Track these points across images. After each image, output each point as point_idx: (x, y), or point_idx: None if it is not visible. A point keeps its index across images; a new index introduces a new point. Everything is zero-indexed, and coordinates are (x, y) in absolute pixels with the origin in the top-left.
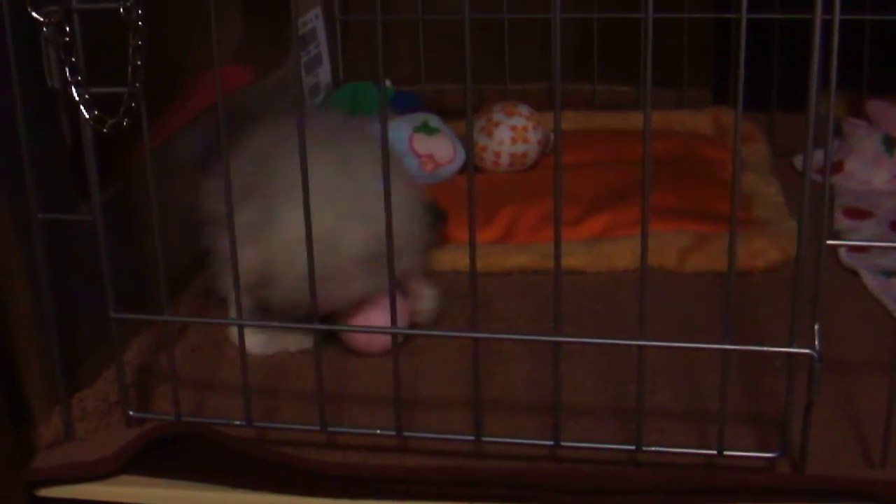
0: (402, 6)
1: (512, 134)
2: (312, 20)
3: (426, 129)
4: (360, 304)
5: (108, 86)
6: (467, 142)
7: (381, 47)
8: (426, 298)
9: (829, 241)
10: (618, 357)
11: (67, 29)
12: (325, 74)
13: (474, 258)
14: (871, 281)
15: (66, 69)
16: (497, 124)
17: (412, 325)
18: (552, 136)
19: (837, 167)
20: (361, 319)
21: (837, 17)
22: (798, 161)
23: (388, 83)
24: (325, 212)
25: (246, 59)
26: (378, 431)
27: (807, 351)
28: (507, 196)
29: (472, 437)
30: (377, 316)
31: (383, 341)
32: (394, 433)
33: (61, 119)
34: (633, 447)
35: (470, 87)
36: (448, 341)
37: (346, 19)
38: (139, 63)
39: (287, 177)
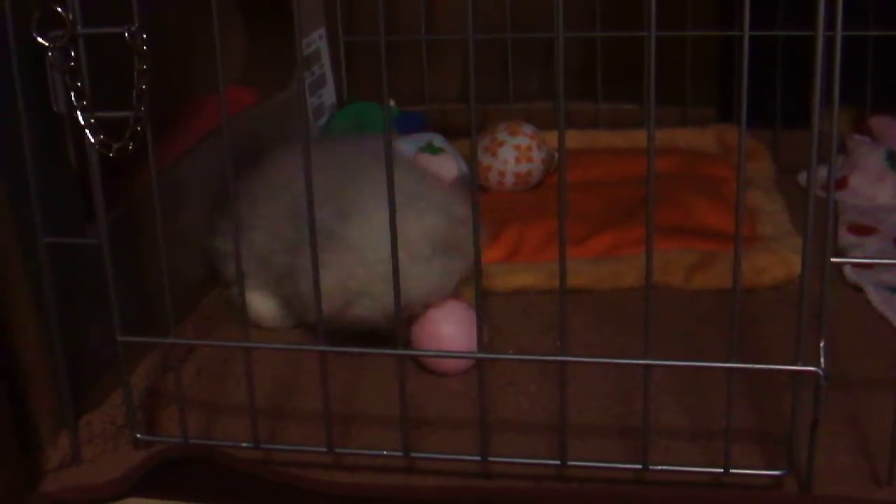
0: (405, 26)
1: (516, 153)
2: (316, 41)
3: (430, 149)
4: (433, 317)
5: (113, 110)
6: (471, 161)
7: (385, 68)
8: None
9: (833, 259)
10: (624, 376)
11: (73, 53)
12: (328, 95)
13: (480, 277)
14: (875, 297)
15: (72, 93)
16: (501, 144)
17: None
18: (556, 156)
19: (841, 183)
20: (433, 330)
21: (840, 33)
22: (802, 178)
23: (392, 103)
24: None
25: (250, 80)
26: (385, 452)
27: (812, 369)
28: (512, 215)
29: (478, 458)
30: (451, 330)
31: (456, 363)
32: (401, 454)
33: (67, 143)
34: (639, 466)
35: (474, 107)
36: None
37: (349, 40)
38: (144, 87)
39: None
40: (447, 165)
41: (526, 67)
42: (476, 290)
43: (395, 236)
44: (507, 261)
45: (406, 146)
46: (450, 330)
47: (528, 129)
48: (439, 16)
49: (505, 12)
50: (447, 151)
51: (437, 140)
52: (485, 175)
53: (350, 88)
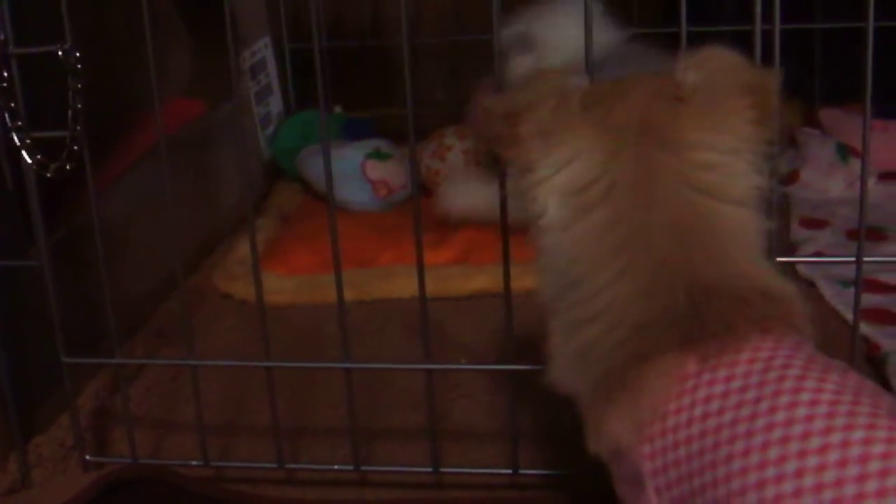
0: (351, 33)
1: (464, 157)
2: (262, 50)
3: (378, 156)
4: None
5: (53, 129)
6: (412, 165)
7: (320, 76)
8: None
9: (780, 259)
10: None
11: (5, 74)
12: (276, 103)
13: (423, 284)
14: (827, 291)
15: (6, 114)
16: (449, 148)
17: None
18: None
19: (793, 177)
20: None
21: (777, 26)
22: None
23: (339, 110)
24: None
25: (196, 92)
26: (336, 467)
27: None
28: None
29: (430, 469)
30: None
31: None
32: (352, 467)
33: (2, 165)
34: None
35: (412, 112)
36: (404, 371)
37: (295, 48)
38: (80, 106)
39: None
40: (395, 171)
41: (473, 71)
42: (420, 297)
43: None
44: (460, 262)
45: (354, 152)
46: None
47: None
48: (386, 20)
49: (449, 16)
50: (395, 157)
51: (385, 146)
52: (433, 179)
53: (298, 96)
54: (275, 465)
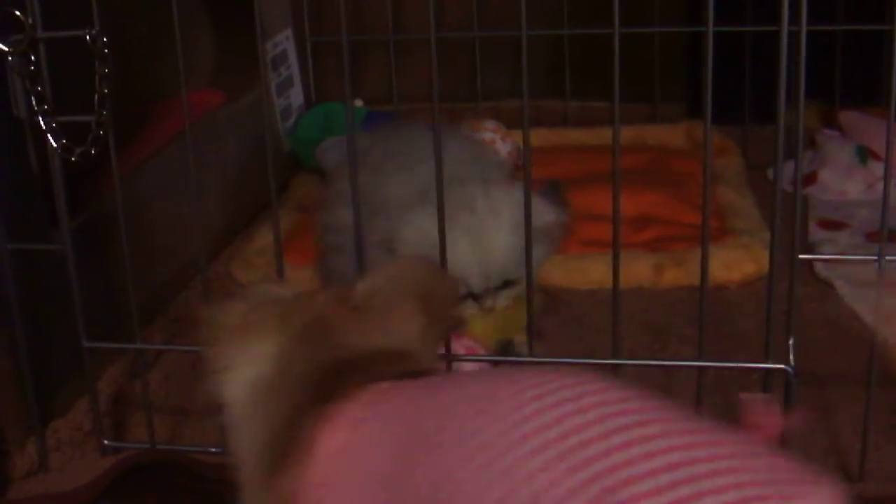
0: (373, 26)
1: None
2: (283, 42)
3: None
4: None
5: (77, 114)
6: (438, 160)
7: (348, 69)
8: None
9: (801, 256)
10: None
11: (33, 58)
12: (296, 96)
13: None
14: (846, 292)
15: (33, 98)
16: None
17: None
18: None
19: (811, 178)
20: None
21: (804, 28)
22: (772, 173)
23: (360, 103)
24: None
25: (218, 82)
26: None
27: (782, 366)
28: None
29: None
30: None
31: None
32: None
33: (28, 149)
34: None
35: (437, 107)
36: None
37: (316, 40)
38: (106, 91)
39: None
40: None
41: (494, 65)
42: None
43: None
44: None
45: None
46: None
47: (490, 124)
48: (407, 14)
49: (472, 10)
50: None
51: None
52: None
53: (318, 89)
54: None
